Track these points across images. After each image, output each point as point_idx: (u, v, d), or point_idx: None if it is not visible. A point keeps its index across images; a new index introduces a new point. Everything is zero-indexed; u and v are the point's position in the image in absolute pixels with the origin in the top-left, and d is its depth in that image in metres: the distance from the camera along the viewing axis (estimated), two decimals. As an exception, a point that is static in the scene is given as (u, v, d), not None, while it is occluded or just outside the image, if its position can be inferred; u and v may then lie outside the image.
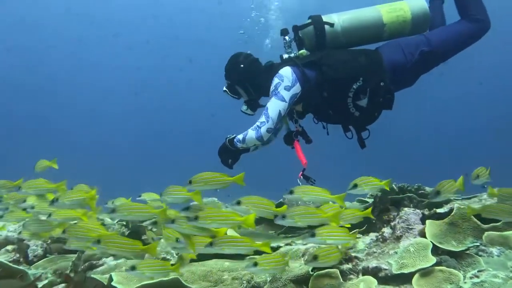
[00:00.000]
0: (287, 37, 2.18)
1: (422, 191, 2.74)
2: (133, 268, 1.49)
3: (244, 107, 2.23)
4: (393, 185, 2.91)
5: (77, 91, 16.63)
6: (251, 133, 2.03)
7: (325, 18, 2.11)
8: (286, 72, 2.02)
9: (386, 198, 2.38)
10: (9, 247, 2.40)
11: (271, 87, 2.03)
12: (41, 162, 2.18)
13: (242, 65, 2.16)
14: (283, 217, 1.45)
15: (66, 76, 16.28)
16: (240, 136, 2.07)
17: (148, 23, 15.43)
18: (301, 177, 2.09)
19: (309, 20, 2.13)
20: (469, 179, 1.80)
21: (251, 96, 2.21)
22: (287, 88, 2.00)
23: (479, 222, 1.85)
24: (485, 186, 1.83)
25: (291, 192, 1.58)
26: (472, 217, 1.87)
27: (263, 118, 2.01)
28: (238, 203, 1.49)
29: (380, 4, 2.10)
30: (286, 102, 2.00)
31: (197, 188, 1.52)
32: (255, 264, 1.44)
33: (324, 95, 2.03)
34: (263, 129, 2.00)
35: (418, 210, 2.06)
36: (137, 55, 16.29)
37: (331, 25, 2.07)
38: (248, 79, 2.17)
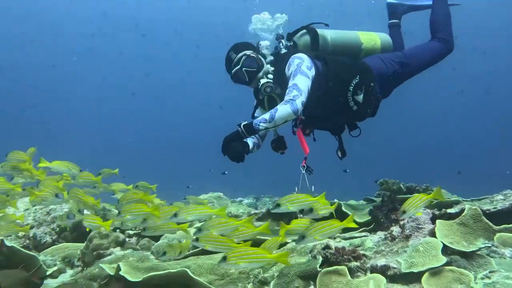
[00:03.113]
0: (283, 41, 2.23)
1: (430, 192, 2.72)
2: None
3: (271, 76, 2.08)
4: (401, 185, 2.89)
5: (82, 89, 16.82)
6: (284, 108, 1.82)
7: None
8: (303, 55, 2.02)
9: (395, 197, 2.37)
10: (20, 234, 2.44)
11: (292, 66, 1.97)
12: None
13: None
14: (199, 230, 1.65)
15: (69, 74, 16.49)
16: (265, 116, 1.83)
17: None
18: (304, 165, 2.06)
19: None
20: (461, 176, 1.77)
21: (273, 67, 2.14)
22: (309, 68, 1.97)
23: (490, 223, 1.83)
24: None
25: (175, 215, 1.68)
26: (483, 217, 1.86)
27: (295, 92, 1.86)
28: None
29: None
30: (309, 79, 1.95)
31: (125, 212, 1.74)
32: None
33: (330, 84, 2.06)
34: (298, 102, 1.83)
35: (428, 210, 2.04)
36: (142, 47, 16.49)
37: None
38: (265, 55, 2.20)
